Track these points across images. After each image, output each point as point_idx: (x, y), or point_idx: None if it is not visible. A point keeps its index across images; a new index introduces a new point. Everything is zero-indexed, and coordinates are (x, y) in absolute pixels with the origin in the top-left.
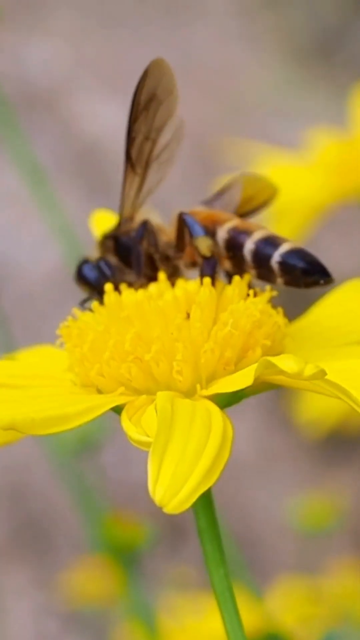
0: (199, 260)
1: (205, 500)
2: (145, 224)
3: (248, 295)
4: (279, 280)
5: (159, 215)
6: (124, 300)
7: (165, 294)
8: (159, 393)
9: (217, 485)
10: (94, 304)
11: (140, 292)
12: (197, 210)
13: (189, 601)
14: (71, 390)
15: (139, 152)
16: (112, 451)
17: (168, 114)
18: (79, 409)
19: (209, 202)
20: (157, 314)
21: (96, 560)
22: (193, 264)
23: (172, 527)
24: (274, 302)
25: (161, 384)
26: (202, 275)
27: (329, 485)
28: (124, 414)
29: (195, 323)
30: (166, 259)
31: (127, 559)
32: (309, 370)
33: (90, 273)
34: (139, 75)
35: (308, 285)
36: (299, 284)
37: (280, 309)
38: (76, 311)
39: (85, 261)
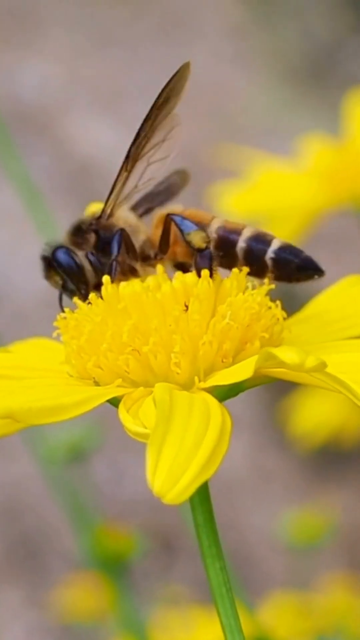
0: (187, 259)
1: (202, 495)
2: (120, 233)
3: (246, 288)
4: (270, 276)
5: (135, 214)
6: (121, 292)
7: (163, 286)
8: (157, 384)
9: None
10: (92, 295)
11: (138, 283)
12: (178, 209)
13: (180, 617)
14: (68, 382)
15: (135, 149)
16: (105, 467)
17: (167, 112)
18: (77, 399)
19: (154, 194)
20: (154, 306)
21: (89, 576)
22: (178, 265)
23: (164, 544)
24: (271, 296)
25: (159, 376)
26: (197, 268)
27: (321, 501)
28: (121, 406)
29: (194, 315)
30: (146, 258)
31: (119, 574)
32: (310, 362)
33: (67, 259)
34: (132, 95)
35: (299, 280)
36: (289, 279)
37: (278, 302)
38: (76, 301)
39: (61, 246)
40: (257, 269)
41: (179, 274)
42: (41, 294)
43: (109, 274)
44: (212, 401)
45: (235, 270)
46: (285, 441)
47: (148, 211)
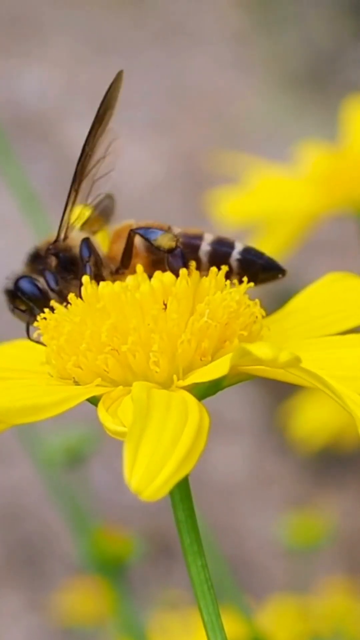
0: (148, 270)
1: (183, 492)
2: (87, 240)
3: (225, 286)
4: (234, 278)
5: (89, 233)
6: (100, 292)
7: (142, 285)
8: (135, 383)
9: (210, 506)
10: (70, 295)
11: (117, 283)
12: (133, 222)
13: (179, 621)
14: (48, 382)
15: (81, 168)
16: (103, 472)
17: (104, 126)
18: (56, 399)
19: (93, 220)
20: (133, 305)
21: (88, 580)
22: None
23: (162, 549)
24: (250, 295)
25: (138, 375)
26: (171, 269)
27: (320, 505)
28: (100, 405)
29: (172, 314)
30: (108, 272)
31: (119, 578)
32: (284, 356)
33: (31, 287)
34: (132, 102)
35: (263, 281)
36: (254, 280)
37: (257, 300)
38: (53, 303)
39: (22, 276)
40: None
41: (157, 273)
42: None
43: (82, 274)
44: (191, 399)
45: (213, 269)
46: (285, 445)
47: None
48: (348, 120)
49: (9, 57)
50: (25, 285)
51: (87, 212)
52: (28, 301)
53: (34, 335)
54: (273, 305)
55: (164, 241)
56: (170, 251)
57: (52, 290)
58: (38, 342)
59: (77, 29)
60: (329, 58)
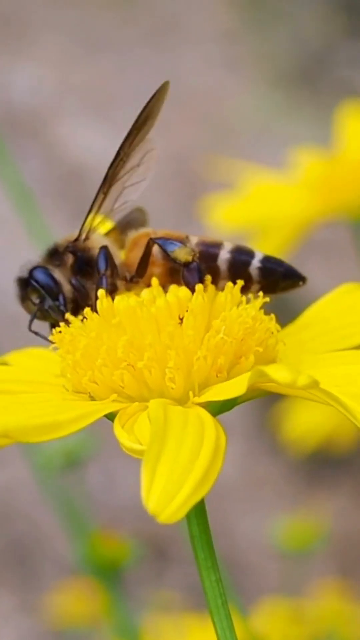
0: (163, 281)
1: (198, 508)
2: (105, 250)
3: (240, 302)
4: (254, 287)
5: (110, 239)
6: (116, 307)
7: (158, 300)
8: (151, 401)
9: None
10: (86, 310)
11: (133, 298)
12: (151, 232)
13: (173, 623)
14: (63, 397)
15: (112, 172)
16: (96, 474)
17: (144, 135)
18: (72, 416)
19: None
20: (149, 321)
21: (81, 582)
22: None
23: (155, 551)
24: (266, 309)
25: (154, 391)
26: (186, 282)
27: (312, 507)
28: (116, 422)
29: (188, 330)
30: (123, 280)
31: (112, 580)
32: (302, 380)
33: (45, 277)
34: (123, 101)
35: (284, 289)
36: (275, 289)
37: (272, 316)
38: (69, 317)
39: (38, 265)
40: (243, 279)
41: (173, 287)
42: None
43: (98, 288)
44: (207, 417)
45: (229, 284)
46: (277, 448)
47: (116, 242)
48: (341, 125)
49: (0, 54)
50: (39, 275)
51: (109, 225)
52: (41, 291)
53: (50, 348)
54: (271, 310)
55: (181, 254)
56: (187, 265)
57: (64, 285)
58: (44, 338)
59: (69, 27)
60: (320, 57)
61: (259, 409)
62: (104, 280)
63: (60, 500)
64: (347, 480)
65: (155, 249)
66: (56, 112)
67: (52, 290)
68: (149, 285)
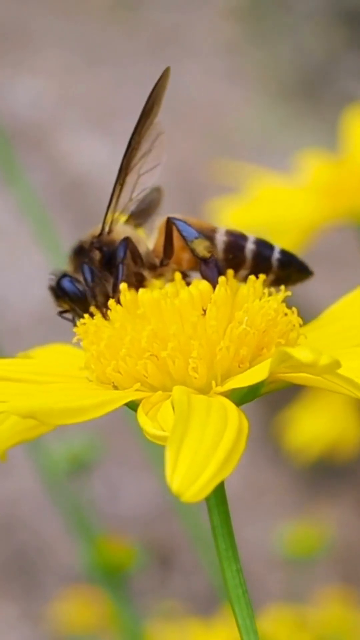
0: (193, 267)
1: (219, 497)
2: (126, 240)
3: (263, 294)
4: (270, 278)
5: (133, 228)
6: (140, 298)
7: (181, 292)
8: (175, 387)
9: (204, 516)
10: (110, 301)
11: (157, 290)
12: (179, 216)
13: (177, 631)
14: (87, 387)
15: (127, 161)
16: (100, 483)
17: (151, 121)
18: (96, 401)
19: (140, 212)
20: (173, 312)
21: (83, 590)
22: (182, 273)
23: (158, 560)
24: (288, 304)
25: (177, 380)
26: (204, 277)
27: (314, 516)
28: (140, 410)
29: (211, 321)
30: (152, 268)
31: (117, 587)
32: (324, 360)
33: (71, 287)
34: (125, 112)
35: (295, 281)
36: (287, 281)
37: (294, 309)
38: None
39: (63, 275)
40: (262, 270)
41: (196, 280)
42: (35, 310)
43: (116, 277)
44: (229, 404)
45: (252, 277)
46: (279, 456)
47: (136, 227)
48: (348, 130)
49: (1, 67)
50: (66, 284)
51: (122, 218)
52: (69, 301)
53: (73, 340)
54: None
55: (199, 248)
56: (205, 260)
57: (92, 285)
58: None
59: (70, 40)
60: (322, 69)
61: (261, 419)
62: (121, 271)
63: (66, 507)
64: (349, 489)
65: (177, 232)
66: (58, 124)
67: (80, 299)
68: (180, 269)
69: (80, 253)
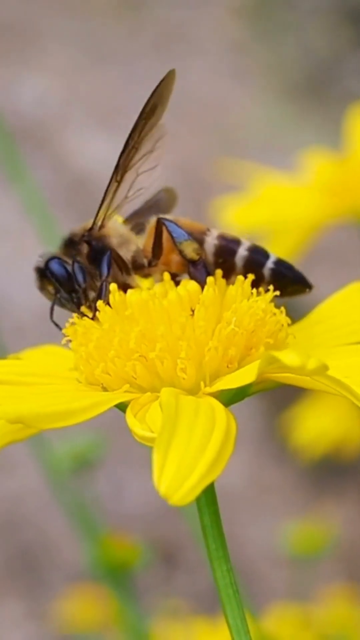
0: (181, 270)
1: (209, 497)
2: (110, 253)
3: (251, 295)
4: (262, 288)
5: (125, 225)
6: (128, 299)
7: (170, 293)
8: (163, 389)
9: None
10: (99, 303)
11: (145, 291)
12: (169, 217)
13: (182, 629)
14: (77, 388)
15: (124, 160)
16: (103, 481)
17: (154, 122)
18: (85, 404)
19: (144, 210)
20: (161, 313)
21: (88, 588)
22: (172, 274)
23: (162, 557)
24: (276, 303)
25: (165, 381)
26: (192, 278)
27: (319, 514)
28: (128, 411)
29: (199, 322)
30: (139, 267)
31: (122, 585)
32: (312, 364)
33: (60, 269)
34: (130, 111)
35: (290, 294)
36: (282, 292)
37: (283, 309)
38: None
39: (53, 257)
40: (254, 278)
41: (184, 281)
42: (39, 309)
43: (99, 296)
44: (218, 405)
45: (240, 277)
46: (284, 454)
47: (138, 226)
48: (350, 129)
49: (7, 65)
50: (54, 266)
51: (119, 219)
52: (55, 282)
53: (62, 341)
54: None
55: (188, 250)
56: (193, 262)
57: (77, 276)
58: (61, 328)
59: (76, 38)
60: (328, 67)
61: (266, 416)
62: (103, 289)
63: (71, 505)
64: (354, 487)
65: (167, 233)
66: (63, 122)
67: (66, 282)
68: (169, 270)
69: (69, 244)
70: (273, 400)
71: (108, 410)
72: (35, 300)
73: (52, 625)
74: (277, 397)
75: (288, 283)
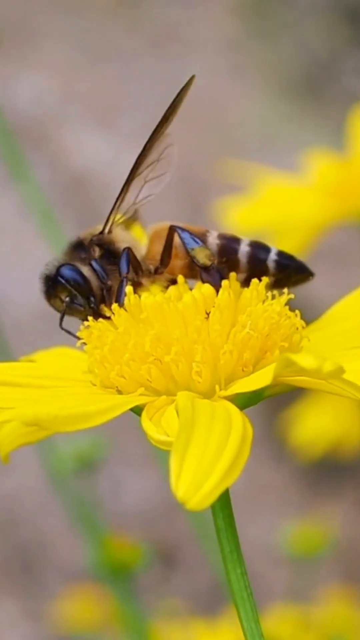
0: (184, 273)
1: (224, 500)
2: (128, 251)
3: (266, 298)
4: (270, 280)
5: (131, 231)
6: (143, 302)
7: (185, 296)
8: (179, 393)
9: (207, 513)
10: (114, 306)
11: (160, 294)
12: (182, 224)
13: (181, 629)
14: (91, 391)
15: (135, 167)
16: (103, 481)
17: (163, 130)
18: (101, 407)
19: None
20: (176, 316)
21: (86, 588)
22: (172, 281)
23: (160, 558)
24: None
25: (180, 385)
26: (205, 282)
27: (318, 515)
28: (144, 414)
29: (214, 325)
30: (146, 274)
31: (121, 585)
32: (328, 366)
33: (74, 274)
34: (128, 109)
35: (295, 283)
36: (286, 283)
37: (297, 312)
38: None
39: (64, 263)
40: (258, 273)
41: (199, 284)
42: (38, 307)
43: (120, 291)
44: (233, 409)
45: (254, 280)
46: (282, 454)
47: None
48: (353, 129)
49: (4, 63)
50: (67, 272)
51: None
52: (70, 289)
53: (77, 344)
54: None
55: (200, 256)
56: (205, 268)
57: (92, 281)
58: (74, 335)
59: (73, 36)
60: (325, 65)
61: (265, 417)
62: (124, 284)
63: (71, 504)
64: (352, 487)
65: (177, 241)
66: (60, 120)
67: (82, 287)
68: (172, 276)
69: (78, 248)
70: (270, 401)
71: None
72: (34, 298)
73: (49, 625)
74: (275, 398)
75: (292, 273)
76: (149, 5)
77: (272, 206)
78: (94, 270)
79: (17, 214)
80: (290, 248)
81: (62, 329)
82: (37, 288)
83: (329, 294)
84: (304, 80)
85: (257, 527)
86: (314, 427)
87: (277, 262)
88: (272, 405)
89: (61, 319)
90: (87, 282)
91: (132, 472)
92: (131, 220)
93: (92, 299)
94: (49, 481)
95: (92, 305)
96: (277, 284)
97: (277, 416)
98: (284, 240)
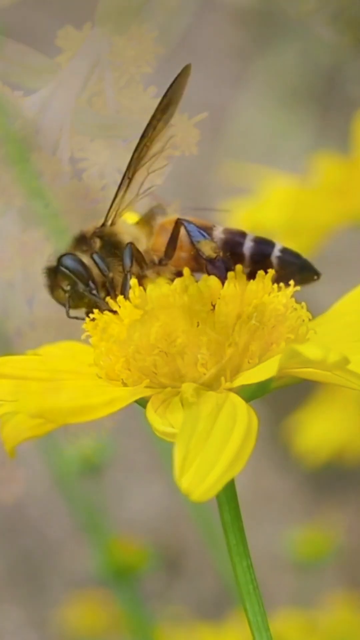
0: (188, 266)
1: (230, 493)
2: (131, 245)
3: (272, 290)
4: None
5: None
6: (148, 294)
7: (190, 287)
8: (184, 384)
9: (215, 519)
10: (119, 298)
11: (165, 286)
12: (189, 218)
13: (184, 636)
14: (97, 384)
15: (136, 158)
16: (109, 487)
17: (166, 121)
18: (106, 399)
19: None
20: (182, 308)
21: (91, 594)
22: (177, 274)
23: (163, 564)
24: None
25: (186, 377)
26: (211, 275)
27: (321, 521)
28: (149, 406)
29: (220, 317)
30: (151, 265)
31: (127, 591)
32: (333, 357)
33: (74, 262)
34: (132, 117)
35: (299, 282)
36: (291, 280)
37: (304, 304)
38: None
39: (65, 253)
40: (261, 268)
41: (204, 276)
42: (39, 306)
43: (125, 284)
44: (239, 401)
45: (260, 272)
46: (286, 460)
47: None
48: (358, 133)
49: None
50: (68, 261)
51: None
52: (71, 276)
53: (82, 336)
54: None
55: (206, 249)
56: (211, 261)
57: (92, 269)
58: (79, 317)
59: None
60: (329, 74)
61: (268, 422)
62: (127, 279)
63: (76, 510)
64: (357, 493)
65: (183, 233)
66: (66, 127)
67: (82, 274)
68: (177, 268)
69: (80, 242)
70: (275, 405)
71: (110, 415)
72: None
73: (54, 632)
74: (279, 403)
75: (295, 271)
76: (152, 13)
77: (277, 208)
78: (94, 260)
79: (22, 221)
80: (296, 250)
81: (70, 316)
82: (41, 295)
83: (333, 296)
84: (308, 88)
85: (262, 533)
86: (318, 433)
87: (280, 258)
88: (276, 410)
89: (67, 308)
90: (86, 269)
91: (137, 478)
92: (147, 217)
93: (92, 285)
94: (53, 488)
95: (93, 292)
96: (281, 282)
97: (281, 421)
98: (289, 243)
